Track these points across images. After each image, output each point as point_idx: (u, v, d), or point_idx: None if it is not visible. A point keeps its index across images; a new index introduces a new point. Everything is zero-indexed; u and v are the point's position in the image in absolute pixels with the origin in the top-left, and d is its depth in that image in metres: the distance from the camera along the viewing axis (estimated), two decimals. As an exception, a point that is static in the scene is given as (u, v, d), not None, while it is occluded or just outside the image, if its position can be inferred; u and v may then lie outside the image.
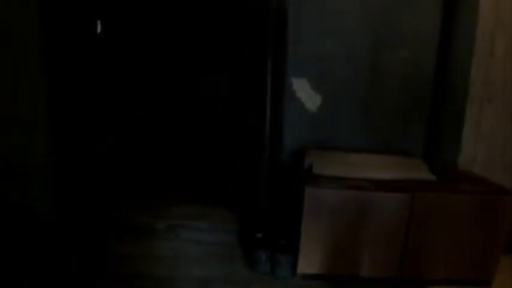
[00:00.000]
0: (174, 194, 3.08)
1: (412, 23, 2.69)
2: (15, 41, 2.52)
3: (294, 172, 2.61)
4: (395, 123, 2.76)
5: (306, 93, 2.71)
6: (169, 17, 2.93)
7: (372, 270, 2.41)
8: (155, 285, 2.38)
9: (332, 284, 2.42)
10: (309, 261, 2.41)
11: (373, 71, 2.71)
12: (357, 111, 2.74)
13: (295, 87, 2.71)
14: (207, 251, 2.71)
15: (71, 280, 2.43)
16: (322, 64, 2.70)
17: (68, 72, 2.73)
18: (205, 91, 2.94)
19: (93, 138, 2.91)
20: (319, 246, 2.39)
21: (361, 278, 2.41)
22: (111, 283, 2.40)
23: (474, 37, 2.60)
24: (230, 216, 2.92)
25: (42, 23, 2.55)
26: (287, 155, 2.75)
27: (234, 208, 2.96)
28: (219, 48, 2.92)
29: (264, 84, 2.71)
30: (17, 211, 2.67)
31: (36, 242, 2.62)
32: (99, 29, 2.78)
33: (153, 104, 2.99)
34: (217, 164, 3.01)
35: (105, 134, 2.90)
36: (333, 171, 2.45)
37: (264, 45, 2.70)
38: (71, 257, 2.60)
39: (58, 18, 2.62)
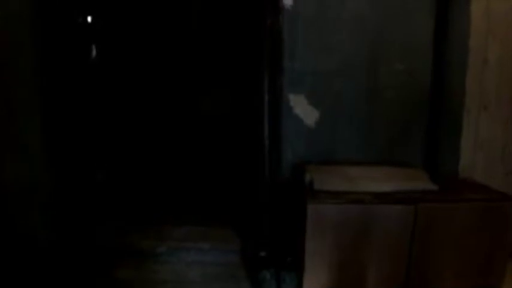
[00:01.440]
0: (174, 216, 3.04)
1: (406, 35, 2.70)
2: (10, 64, 2.51)
3: (295, 188, 2.59)
4: (394, 134, 2.76)
5: (303, 109, 2.70)
6: (165, 38, 2.93)
7: (379, 284, 2.38)
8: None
9: (339, 299, 2.39)
10: (315, 278, 2.37)
11: (370, 84, 2.71)
12: (355, 125, 2.74)
13: (292, 103, 2.70)
14: (210, 273, 2.68)
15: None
16: (318, 79, 2.70)
17: (63, 96, 2.73)
18: (202, 110, 2.93)
19: (91, 161, 2.89)
20: (325, 262, 2.36)
21: (368, 293, 2.38)
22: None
23: (467, 46, 2.62)
24: (232, 235, 2.89)
25: (36, 45, 2.55)
26: (287, 171, 2.73)
27: (235, 227, 2.93)
28: (215, 66, 2.92)
29: (262, 101, 2.71)
30: (15, 239, 2.64)
31: (35, 270, 2.58)
32: (94, 53, 2.79)
33: (150, 124, 2.97)
34: (217, 183, 2.98)
35: (102, 157, 2.88)
36: (334, 186, 2.44)
37: (260, 61, 2.70)
38: (72, 284, 2.56)
39: (53, 41, 2.62)
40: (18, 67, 2.51)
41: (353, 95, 2.73)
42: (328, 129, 2.73)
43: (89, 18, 2.72)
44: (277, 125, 2.69)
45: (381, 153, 2.76)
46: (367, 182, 2.47)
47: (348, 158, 2.73)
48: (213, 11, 2.95)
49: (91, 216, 2.92)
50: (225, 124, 2.89)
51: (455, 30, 2.57)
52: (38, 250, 2.64)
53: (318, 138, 2.73)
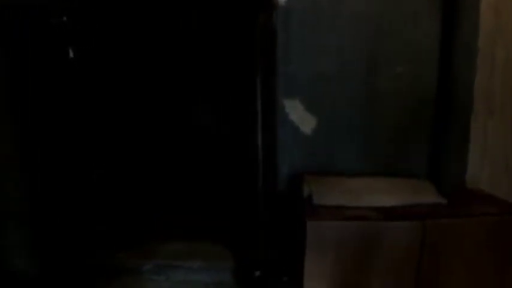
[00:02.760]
0: (162, 230, 2.83)
1: (410, 37, 2.50)
2: None
3: (292, 202, 2.40)
4: (397, 143, 2.58)
5: (299, 115, 2.51)
6: (149, 38, 2.70)
7: (383, 305, 2.20)
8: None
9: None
10: (314, 300, 2.19)
11: (371, 89, 2.53)
12: (355, 132, 2.55)
13: (287, 110, 2.50)
14: (201, 293, 2.48)
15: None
16: (315, 84, 2.51)
17: (39, 103, 2.51)
18: (191, 117, 2.71)
19: (72, 175, 2.67)
20: (325, 283, 2.17)
21: (371, 316, 2.20)
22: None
23: (476, 48, 2.44)
24: (224, 252, 2.68)
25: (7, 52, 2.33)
26: (283, 183, 2.53)
27: (228, 243, 2.72)
28: (203, 70, 2.69)
29: (254, 107, 2.51)
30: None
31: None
32: (71, 55, 2.57)
33: (135, 135, 2.74)
34: (208, 196, 2.77)
35: (84, 170, 2.66)
36: (335, 200, 2.25)
37: (251, 65, 2.50)
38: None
39: (25, 46, 2.40)
40: None
41: (353, 100, 2.54)
42: (326, 137, 2.54)
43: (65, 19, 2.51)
44: (271, 133, 2.50)
45: (383, 163, 2.57)
46: (370, 196, 2.28)
47: (347, 168, 2.54)
48: (202, 9, 2.70)
49: (73, 232, 2.70)
50: (217, 133, 2.67)
51: (463, 30, 2.38)
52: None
53: (315, 146, 2.54)
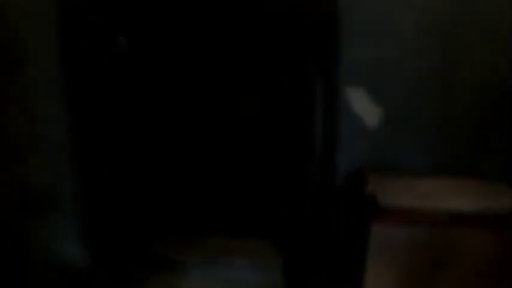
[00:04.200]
0: (207, 223, 2.66)
1: (486, 21, 2.22)
2: (34, 63, 2.28)
3: (352, 201, 2.19)
4: (470, 140, 2.31)
5: (363, 106, 2.28)
6: (200, 23, 2.50)
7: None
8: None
9: None
10: (375, 312, 1.98)
11: (443, 78, 2.27)
12: (423, 126, 2.30)
13: (350, 99, 2.28)
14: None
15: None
16: (381, 71, 2.26)
17: (90, 93, 2.40)
18: (243, 104, 2.51)
19: (121, 165, 2.56)
20: (387, 293, 1.96)
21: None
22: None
23: None
24: (273, 250, 2.50)
25: (62, 41, 2.24)
26: (342, 179, 2.32)
27: (276, 241, 2.53)
28: (257, 55, 2.48)
29: (312, 95, 2.30)
30: (38, 256, 2.38)
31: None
32: (123, 46, 2.44)
33: (184, 125, 2.58)
34: (259, 189, 2.58)
35: (133, 160, 2.55)
36: (402, 202, 2.02)
37: (310, 48, 2.29)
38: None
39: (79, 36, 2.29)
40: (38, 67, 2.27)
41: (423, 91, 2.28)
42: (391, 131, 2.30)
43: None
44: (331, 125, 2.28)
45: (454, 162, 2.32)
46: (441, 198, 2.04)
47: (414, 166, 2.30)
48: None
49: (122, 224, 2.60)
50: (270, 121, 2.47)
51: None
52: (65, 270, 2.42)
53: (380, 141, 2.30)
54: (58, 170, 2.44)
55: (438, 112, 2.30)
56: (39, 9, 2.24)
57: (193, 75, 2.55)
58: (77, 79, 2.36)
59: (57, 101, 2.34)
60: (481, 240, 1.92)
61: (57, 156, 2.42)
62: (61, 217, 2.51)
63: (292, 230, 2.44)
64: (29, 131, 2.38)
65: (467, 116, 2.31)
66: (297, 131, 2.40)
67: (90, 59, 2.40)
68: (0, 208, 2.47)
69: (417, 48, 2.25)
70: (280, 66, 2.41)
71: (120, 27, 2.48)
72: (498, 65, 2.27)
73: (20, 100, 2.35)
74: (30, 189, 2.46)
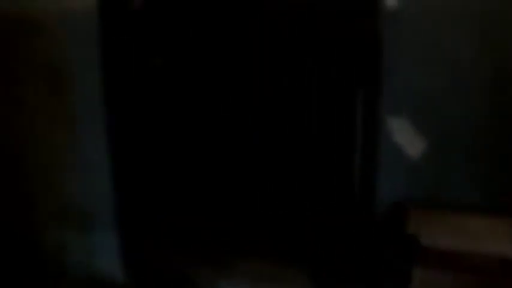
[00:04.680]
0: (243, 247, 2.62)
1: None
2: (80, 82, 2.34)
3: (391, 237, 2.07)
4: (525, 174, 2.14)
5: (405, 136, 2.15)
6: (239, 44, 2.47)
7: None
8: None
9: None
10: None
11: (493, 108, 2.10)
12: (472, 159, 2.15)
13: (392, 128, 2.16)
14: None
15: None
16: (426, 100, 2.13)
17: (128, 106, 2.42)
18: (279, 128, 2.45)
19: (159, 184, 2.58)
20: None
21: None
22: None
23: None
24: (308, 281, 2.41)
25: (101, 57, 2.25)
26: (380, 212, 2.20)
27: (312, 272, 2.44)
28: (296, 78, 2.40)
29: (353, 123, 2.20)
30: (77, 271, 2.44)
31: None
32: (159, 62, 2.44)
33: (223, 145, 2.56)
34: (294, 214, 2.51)
35: (172, 179, 2.55)
36: (448, 243, 1.89)
37: (352, 76, 2.19)
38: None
39: (118, 52, 2.31)
40: (83, 87, 2.34)
41: (471, 121, 2.13)
42: (437, 163, 2.16)
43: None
44: (371, 155, 2.18)
45: (505, 199, 2.14)
46: (491, 241, 1.89)
47: (462, 202, 2.15)
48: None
49: (158, 240, 2.62)
50: (307, 146, 2.40)
51: None
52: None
53: (423, 173, 2.17)
54: (98, 188, 2.48)
55: (489, 143, 2.14)
56: (85, 29, 2.27)
57: (231, 98, 2.52)
58: (117, 98, 2.38)
59: (99, 119, 2.37)
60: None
61: (97, 174, 2.45)
62: (100, 234, 2.55)
63: (328, 262, 2.35)
64: (73, 149, 2.42)
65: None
66: (335, 161, 2.31)
67: (128, 79, 2.42)
68: (40, 222, 2.53)
69: (467, 75, 2.10)
70: (317, 94, 2.33)
71: (158, 49, 2.49)
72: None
73: (66, 119, 2.39)
74: (70, 205, 2.51)
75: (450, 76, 2.10)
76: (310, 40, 2.29)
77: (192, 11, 2.44)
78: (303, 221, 2.46)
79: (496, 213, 2.07)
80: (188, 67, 2.53)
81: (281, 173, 2.48)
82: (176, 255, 2.63)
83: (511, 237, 1.91)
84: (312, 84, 2.33)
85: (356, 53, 2.17)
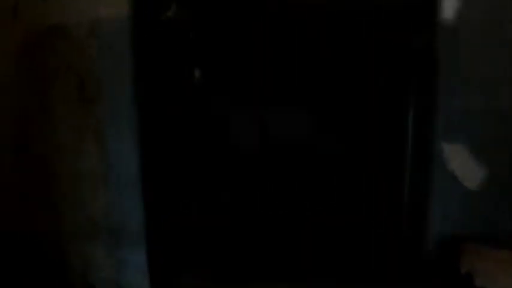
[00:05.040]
0: (270, 271, 2.51)
1: None
2: (110, 97, 2.30)
3: (443, 276, 1.91)
4: None
5: (462, 165, 1.99)
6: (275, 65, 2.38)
7: None
8: None
9: None
10: None
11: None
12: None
13: (447, 156, 2.00)
14: None
15: None
16: (485, 125, 1.97)
17: (161, 124, 2.39)
18: (319, 151, 2.34)
19: (190, 203, 2.52)
20: None
21: None
22: None
23: None
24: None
25: (135, 72, 2.23)
26: (432, 247, 2.04)
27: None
28: (340, 96, 2.28)
29: (403, 148, 2.06)
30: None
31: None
32: (196, 77, 2.39)
33: (260, 162, 2.48)
34: (332, 245, 2.37)
35: (203, 198, 2.49)
36: (504, 285, 1.71)
37: (404, 98, 2.06)
38: None
39: (152, 67, 2.28)
40: (113, 103, 2.29)
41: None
42: (494, 194, 1.99)
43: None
44: (423, 184, 2.02)
45: None
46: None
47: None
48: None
49: (189, 262, 2.56)
50: (348, 172, 2.27)
51: None
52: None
53: (481, 206, 2.00)
54: (127, 205, 2.44)
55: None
56: (117, 39, 2.23)
57: (273, 110, 2.44)
58: (149, 114, 2.35)
59: (129, 136, 2.35)
60: None
61: (127, 191, 2.42)
62: (128, 251, 2.51)
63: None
64: (102, 165, 2.40)
65: None
66: (382, 190, 2.16)
67: (163, 93, 2.38)
68: (68, 237, 2.53)
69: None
70: (364, 114, 2.20)
71: (195, 60, 2.43)
72: None
73: (95, 134, 2.38)
74: (99, 222, 2.48)
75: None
76: (360, 56, 2.17)
77: (232, 20, 2.37)
78: (344, 258, 2.32)
79: None
80: (226, 78, 2.46)
81: (325, 199, 2.35)
82: (203, 273, 2.56)
83: None
84: (360, 103, 2.20)
85: (409, 69, 2.03)
